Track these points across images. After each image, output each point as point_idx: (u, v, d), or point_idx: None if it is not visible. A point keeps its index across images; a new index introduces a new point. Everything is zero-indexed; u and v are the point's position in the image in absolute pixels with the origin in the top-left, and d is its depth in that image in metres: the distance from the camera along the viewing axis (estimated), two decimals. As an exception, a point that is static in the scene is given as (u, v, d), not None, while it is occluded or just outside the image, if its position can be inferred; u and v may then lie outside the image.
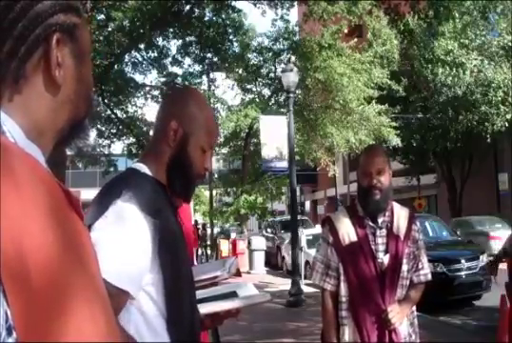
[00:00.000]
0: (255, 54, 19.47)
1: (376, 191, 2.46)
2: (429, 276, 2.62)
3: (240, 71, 19.23)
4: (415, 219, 2.63)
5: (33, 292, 0.55)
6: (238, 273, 2.07)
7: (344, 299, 2.46)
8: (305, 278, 12.59)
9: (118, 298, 1.23)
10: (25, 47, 0.69)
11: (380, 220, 2.51)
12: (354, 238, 2.48)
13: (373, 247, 2.47)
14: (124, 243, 1.27)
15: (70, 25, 0.75)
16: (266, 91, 20.21)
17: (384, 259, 2.47)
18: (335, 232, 2.51)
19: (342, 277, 2.46)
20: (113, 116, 18.05)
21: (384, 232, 2.50)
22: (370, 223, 2.50)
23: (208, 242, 24.34)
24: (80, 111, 0.79)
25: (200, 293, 1.58)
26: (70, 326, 0.57)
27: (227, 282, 1.87)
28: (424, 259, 2.61)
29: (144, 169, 1.43)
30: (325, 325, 2.52)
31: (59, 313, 0.57)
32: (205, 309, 1.54)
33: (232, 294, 1.70)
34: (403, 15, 19.87)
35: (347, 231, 2.49)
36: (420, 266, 2.58)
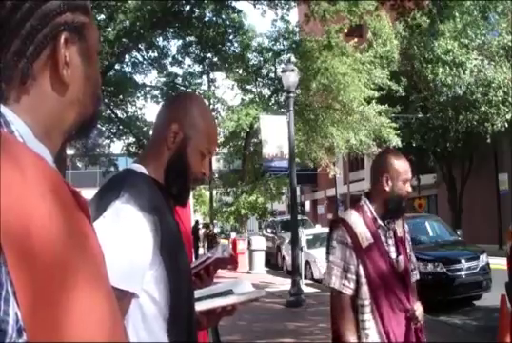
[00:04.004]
0: (255, 54, 19.48)
1: (406, 200, 2.52)
2: (418, 276, 2.70)
3: (240, 72, 19.23)
4: (404, 220, 2.69)
5: (38, 271, 0.55)
6: (234, 264, 2.06)
7: (366, 302, 2.38)
8: (305, 278, 12.59)
9: (123, 300, 1.24)
10: (32, 46, 0.69)
11: (386, 222, 2.51)
12: (371, 240, 2.43)
13: (386, 248, 2.47)
14: (124, 243, 1.28)
15: (78, 24, 0.75)
16: (266, 91, 20.23)
17: (400, 260, 2.49)
18: (354, 235, 2.42)
19: (362, 280, 2.38)
20: (113, 116, 18.06)
21: (391, 233, 2.52)
22: (383, 224, 2.49)
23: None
24: (87, 111, 0.79)
25: (196, 293, 1.58)
26: (74, 308, 0.58)
27: (224, 281, 1.86)
28: (414, 259, 2.68)
29: (141, 169, 1.44)
30: (347, 331, 2.39)
31: (63, 296, 0.57)
32: (199, 306, 1.54)
33: (228, 292, 1.71)
34: (409, 10, 19.84)
35: (364, 232, 2.44)
36: (413, 266, 2.63)
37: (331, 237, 2.47)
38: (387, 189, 2.47)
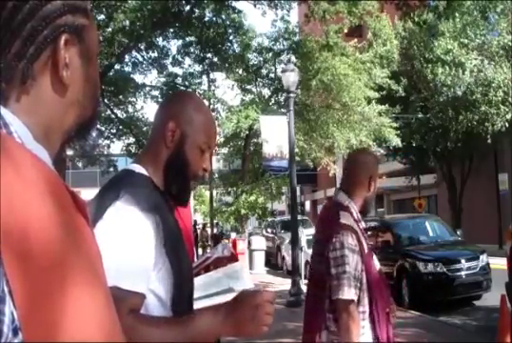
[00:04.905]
0: (255, 54, 19.46)
1: None
2: None
3: (240, 72, 19.22)
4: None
5: (36, 272, 0.55)
6: (234, 258, 2.05)
7: (365, 309, 2.35)
8: (305, 278, 12.58)
9: (129, 300, 1.24)
10: (33, 47, 0.70)
11: None
12: (365, 245, 2.41)
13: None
14: (127, 243, 1.28)
15: (79, 26, 0.75)
16: (266, 92, 20.21)
17: (376, 261, 2.50)
18: (360, 241, 2.38)
19: (364, 286, 2.34)
20: (113, 116, 18.06)
21: None
22: (364, 226, 2.49)
23: (209, 242, 24.36)
24: (87, 112, 0.80)
25: (196, 290, 1.59)
26: (71, 308, 0.58)
27: (222, 272, 1.84)
28: None
29: (139, 169, 1.44)
30: (358, 338, 2.31)
31: (60, 296, 0.57)
32: (199, 304, 1.54)
33: (228, 291, 1.71)
34: (413, 8, 19.89)
35: (362, 237, 2.41)
36: None
37: (342, 246, 2.31)
38: (371, 190, 2.49)
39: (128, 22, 15.04)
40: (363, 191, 2.48)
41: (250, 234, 20.35)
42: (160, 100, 18.15)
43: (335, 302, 2.32)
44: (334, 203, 2.50)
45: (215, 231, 24.64)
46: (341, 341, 2.31)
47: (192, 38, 17.01)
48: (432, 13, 19.15)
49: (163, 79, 19.12)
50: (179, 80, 18.92)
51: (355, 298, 2.30)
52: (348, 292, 2.28)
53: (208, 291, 1.67)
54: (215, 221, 23.03)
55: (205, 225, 26.07)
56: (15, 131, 0.66)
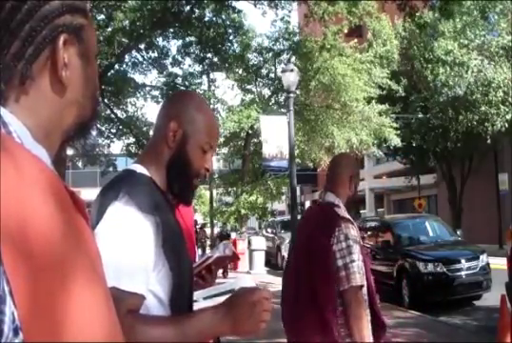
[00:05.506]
0: (255, 54, 19.47)
1: None
2: None
3: (240, 72, 19.22)
4: None
5: (37, 271, 0.56)
6: (236, 257, 2.05)
7: (366, 297, 2.48)
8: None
9: (132, 301, 1.24)
10: (32, 48, 0.70)
11: None
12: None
13: None
14: (126, 244, 1.28)
15: (77, 26, 0.75)
16: (266, 92, 20.21)
17: None
18: (359, 233, 2.56)
19: (363, 276, 2.46)
20: (113, 116, 18.06)
21: None
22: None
23: (208, 242, 24.34)
24: (86, 112, 0.80)
25: (198, 293, 1.58)
26: (72, 307, 0.58)
27: (226, 280, 1.85)
28: None
29: (140, 169, 1.44)
30: (366, 324, 2.40)
31: (62, 296, 0.57)
32: (199, 305, 1.54)
33: (229, 291, 1.70)
34: (416, 9, 19.89)
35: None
36: None
37: (346, 237, 2.44)
38: (352, 189, 2.64)
39: (127, 22, 15.05)
40: (346, 190, 2.64)
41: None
42: (160, 100, 18.17)
43: (344, 292, 2.39)
44: (326, 203, 2.63)
45: (221, 230, 24.58)
46: (349, 331, 2.36)
47: (192, 38, 17.00)
48: (434, 14, 19.12)
49: (163, 79, 19.11)
50: (179, 80, 18.91)
51: (365, 284, 2.43)
52: (360, 278, 2.40)
53: (210, 292, 1.67)
54: (221, 221, 23.00)
55: (204, 225, 26.02)
56: (14, 130, 0.66)
